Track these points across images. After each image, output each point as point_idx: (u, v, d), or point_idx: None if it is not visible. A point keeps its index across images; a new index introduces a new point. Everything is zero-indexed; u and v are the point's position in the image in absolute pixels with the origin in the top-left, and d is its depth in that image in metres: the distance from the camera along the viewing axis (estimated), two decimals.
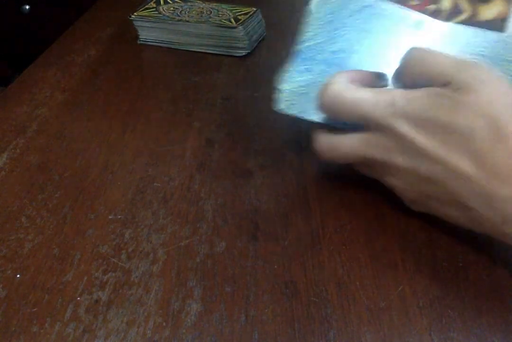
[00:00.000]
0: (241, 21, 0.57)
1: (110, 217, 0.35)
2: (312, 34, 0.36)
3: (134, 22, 0.60)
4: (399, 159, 0.30)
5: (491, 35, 0.33)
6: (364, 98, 0.30)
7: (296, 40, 0.37)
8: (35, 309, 0.29)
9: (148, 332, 0.28)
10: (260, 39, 0.61)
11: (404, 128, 0.29)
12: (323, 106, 0.32)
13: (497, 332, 0.27)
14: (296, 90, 0.36)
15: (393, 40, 0.35)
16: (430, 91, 0.28)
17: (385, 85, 0.33)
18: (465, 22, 0.34)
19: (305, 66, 0.36)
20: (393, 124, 0.29)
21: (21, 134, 0.44)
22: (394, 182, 0.32)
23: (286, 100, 0.36)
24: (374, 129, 0.30)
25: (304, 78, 0.36)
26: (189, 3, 0.64)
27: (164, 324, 0.28)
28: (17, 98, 0.50)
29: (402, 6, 0.35)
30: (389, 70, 0.33)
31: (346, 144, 0.32)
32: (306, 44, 0.36)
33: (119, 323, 0.28)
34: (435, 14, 0.35)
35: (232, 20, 0.58)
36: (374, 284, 0.30)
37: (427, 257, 0.32)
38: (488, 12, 0.34)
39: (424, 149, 0.28)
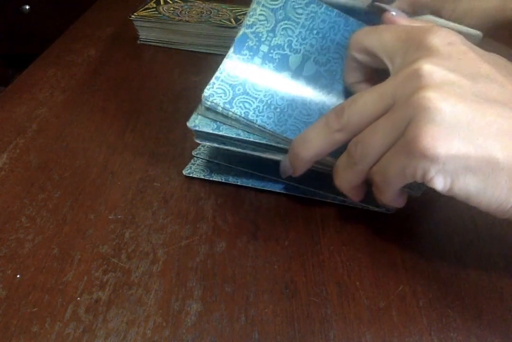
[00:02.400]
0: (241, 21, 0.57)
1: (110, 217, 0.35)
2: (263, 19, 0.34)
3: (134, 22, 0.60)
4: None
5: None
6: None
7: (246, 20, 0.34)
8: (35, 309, 0.29)
9: (148, 332, 0.28)
10: None
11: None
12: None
13: (497, 332, 0.27)
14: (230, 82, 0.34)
15: (327, 45, 0.34)
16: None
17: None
18: None
19: (246, 56, 0.34)
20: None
21: (21, 134, 0.44)
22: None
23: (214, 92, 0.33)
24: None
25: (241, 71, 0.34)
26: (189, 3, 0.64)
27: (164, 324, 0.28)
28: (17, 98, 0.50)
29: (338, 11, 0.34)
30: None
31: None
32: (254, 29, 0.34)
33: (119, 323, 0.28)
34: None
35: (232, 20, 0.58)
36: (374, 284, 0.30)
37: (427, 257, 0.32)
38: None
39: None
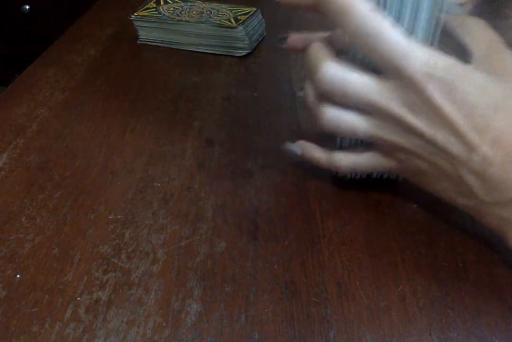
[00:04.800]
0: (241, 21, 0.57)
1: (110, 217, 0.35)
2: None
3: (134, 22, 0.60)
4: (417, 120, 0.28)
5: None
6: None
7: None
8: (35, 309, 0.29)
9: (148, 332, 0.28)
10: (260, 39, 0.61)
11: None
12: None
13: (497, 332, 0.27)
14: None
15: None
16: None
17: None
18: None
19: None
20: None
21: (21, 134, 0.44)
22: (401, 156, 0.31)
23: None
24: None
25: None
26: (189, 3, 0.64)
27: (164, 324, 0.28)
28: (17, 98, 0.50)
29: None
30: None
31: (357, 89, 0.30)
32: None
33: (119, 323, 0.28)
34: None
35: (232, 20, 0.58)
36: (374, 284, 0.30)
37: (427, 257, 0.32)
38: None
39: (449, 120, 0.27)
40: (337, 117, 0.31)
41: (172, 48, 0.60)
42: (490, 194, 0.28)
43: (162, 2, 0.64)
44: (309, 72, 0.31)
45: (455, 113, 0.27)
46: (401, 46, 0.27)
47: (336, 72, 0.30)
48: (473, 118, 0.27)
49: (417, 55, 0.27)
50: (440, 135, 0.28)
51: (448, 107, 0.27)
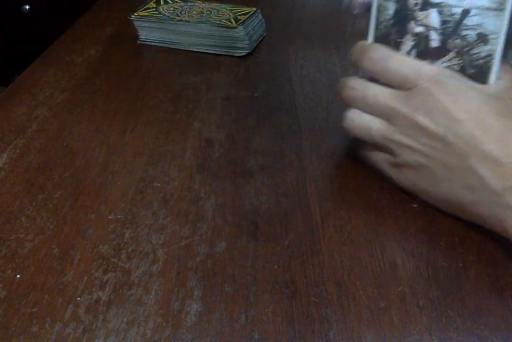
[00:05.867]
0: (241, 21, 0.57)
1: (110, 217, 0.35)
2: None
3: (134, 22, 0.60)
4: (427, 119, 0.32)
5: None
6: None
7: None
8: (35, 309, 0.29)
9: (148, 332, 0.28)
10: (260, 39, 0.61)
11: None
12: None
13: (497, 332, 0.27)
14: None
15: None
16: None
17: None
18: None
19: None
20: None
21: (21, 134, 0.44)
22: (408, 157, 0.34)
23: None
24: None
25: None
26: (189, 3, 0.64)
27: (164, 324, 0.28)
28: (17, 98, 0.50)
29: None
30: None
31: (376, 92, 0.35)
32: None
33: (119, 323, 0.28)
34: None
35: (232, 20, 0.58)
36: (374, 284, 0.30)
37: (427, 257, 0.32)
38: None
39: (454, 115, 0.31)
40: (356, 118, 0.36)
41: (172, 48, 0.60)
42: (501, 180, 0.29)
43: (162, 2, 0.64)
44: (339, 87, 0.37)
45: (461, 112, 0.31)
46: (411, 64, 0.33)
47: (357, 85, 0.36)
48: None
49: (425, 69, 0.33)
50: (450, 131, 0.31)
51: (455, 106, 0.31)
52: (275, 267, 0.31)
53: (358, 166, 0.40)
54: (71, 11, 0.83)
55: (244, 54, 0.58)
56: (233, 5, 0.62)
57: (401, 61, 0.33)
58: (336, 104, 0.48)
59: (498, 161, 0.30)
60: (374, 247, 0.33)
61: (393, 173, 0.36)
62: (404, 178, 0.35)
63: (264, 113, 0.47)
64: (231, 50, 0.58)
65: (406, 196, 0.37)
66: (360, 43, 0.36)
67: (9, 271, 0.31)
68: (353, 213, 0.35)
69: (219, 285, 0.30)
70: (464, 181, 0.31)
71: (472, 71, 0.33)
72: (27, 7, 1.37)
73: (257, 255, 0.32)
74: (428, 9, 0.33)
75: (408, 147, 0.33)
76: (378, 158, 0.37)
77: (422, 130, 0.32)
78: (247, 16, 0.59)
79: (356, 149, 0.40)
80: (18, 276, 0.31)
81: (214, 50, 0.59)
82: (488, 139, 0.30)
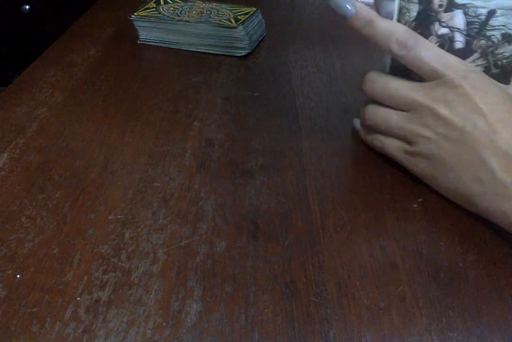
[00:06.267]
0: (241, 21, 0.57)
1: (110, 217, 0.35)
2: None
3: (134, 22, 0.60)
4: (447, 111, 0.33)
5: None
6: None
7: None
8: (35, 309, 0.29)
9: (148, 332, 0.28)
10: (260, 39, 0.61)
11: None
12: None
13: (497, 332, 0.27)
14: None
15: None
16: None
17: None
18: None
19: None
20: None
21: (21, 134, 0.44)
22: (422, 146, 0.35)
23: None
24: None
25: None
26: (189, 3, 0.64)
27: (164, 324, 0.28)
28: (17, 98, 0.50)
29: None
30: None
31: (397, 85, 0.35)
32: None
33: (119, 323, 0.28)
34: None
35: (232, 20, 0.58)
36: (374, 284, 0.30)
37: (427, 257, 0.32)
38: None
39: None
40: (376, 109, 0.37)
41: (172, 48, 0.60)
42: (511, 175, 0.30)
43: (162, 2, 0.64)
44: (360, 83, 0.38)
45: (484, 105, 0.32)
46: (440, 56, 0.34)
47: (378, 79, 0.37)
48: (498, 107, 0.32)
49: (453, 62, 0.33)
50: (469, 122, 0.32)
51: (478, 98, 0.32)
52: (275, 267, 0.31)
53: (358, 166, 0.40)
54: (71, 11, 0.83)
55: (244, 54, 0.58)
56: (233, 5, 0.62)
57: (431, 51, 0.34)
58: (336, 104, 0.48)
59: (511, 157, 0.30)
60: (374, 247, 0.33)
61: (407, 161, 0.37)
62: (418, 167, 0.36)
63: (264, 113, 0.47)
64: (231, 50, 0.58)
65: (406, 196, 0.37)
66: (389, 29, 0.35)
67: (9, 271, 0.31)
68: (353, 213, 0.35)
69: (219, 285, 0.30)
70: (474, 173, 0.32)
71: (495, 71, 0.33)
72: (27, 7, 1.37)
73: (257, 255, 0.32)
74: (453, 10, 0.33)
75: (424, 136, 0.34)
76: (393, 146, 0.37)
77: (441, 120, 0.33)
78: (247, 16, 0.59)
79: (365, 137, 0.40)
80: (18, 276, 0.31)
81: (214, 50, 0.59)
82: (506, 135, 0.31)
